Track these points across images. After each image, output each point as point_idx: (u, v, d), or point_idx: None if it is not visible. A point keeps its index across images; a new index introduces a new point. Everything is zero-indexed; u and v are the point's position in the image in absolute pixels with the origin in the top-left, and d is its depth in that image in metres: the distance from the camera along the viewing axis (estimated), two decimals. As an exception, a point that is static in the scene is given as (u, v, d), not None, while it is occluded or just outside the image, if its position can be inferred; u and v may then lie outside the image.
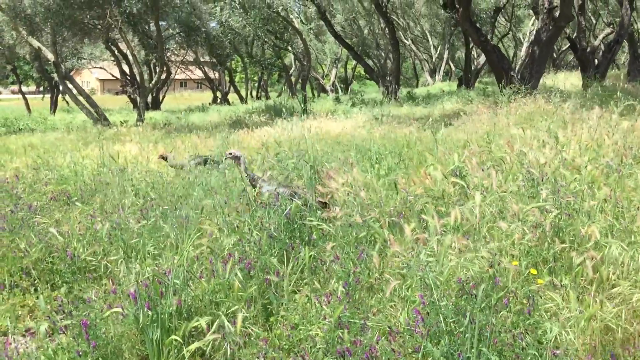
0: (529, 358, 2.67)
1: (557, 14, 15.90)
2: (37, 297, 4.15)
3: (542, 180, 4.20)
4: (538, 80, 17.07)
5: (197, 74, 41.93)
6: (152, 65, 32.01)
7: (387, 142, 9.09)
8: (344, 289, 3.23)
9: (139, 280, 3.25)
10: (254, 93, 40.70)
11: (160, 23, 17.28)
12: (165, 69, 21.97)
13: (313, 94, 34.66)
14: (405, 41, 39.55)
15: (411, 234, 3.40)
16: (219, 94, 37.40)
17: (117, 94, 51.69)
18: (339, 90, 37.29)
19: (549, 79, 23.47)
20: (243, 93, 39.77)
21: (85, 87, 35.47)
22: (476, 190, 4.14)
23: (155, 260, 3.90)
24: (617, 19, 20.95)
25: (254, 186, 5.17)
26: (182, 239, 4.00)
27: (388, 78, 26.43)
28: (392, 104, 23.06)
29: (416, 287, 3.17)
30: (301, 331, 3.15)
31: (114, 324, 3.22)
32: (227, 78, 35.59)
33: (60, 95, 28.78)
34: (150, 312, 3.10)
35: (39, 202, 5.33)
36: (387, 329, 2.94)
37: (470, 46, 28.55)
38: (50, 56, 16.18)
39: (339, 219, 4.01)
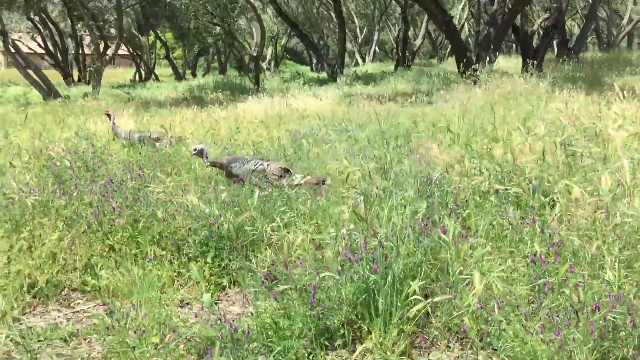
0: None
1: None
2: (181, 267, 3.98)
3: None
4: (493, 61, 17.76)
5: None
6: (78, 37, 30.32)
7: (392, 119, 9.18)
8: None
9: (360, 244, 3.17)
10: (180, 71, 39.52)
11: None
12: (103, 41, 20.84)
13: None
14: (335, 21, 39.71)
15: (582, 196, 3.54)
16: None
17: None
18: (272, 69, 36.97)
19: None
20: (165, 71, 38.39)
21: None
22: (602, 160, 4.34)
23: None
24: (554, 4, 22.05)
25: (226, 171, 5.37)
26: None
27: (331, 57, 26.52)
28: (342, 83, 23.22)
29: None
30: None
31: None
32: (158, 53, 34.30)
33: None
34: (373, 276, 3.07)
35: (146, 171, 5.02)
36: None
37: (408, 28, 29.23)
38: (-5, 25, 14.96)
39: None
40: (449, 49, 36.22)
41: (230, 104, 14.64)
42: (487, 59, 17.10)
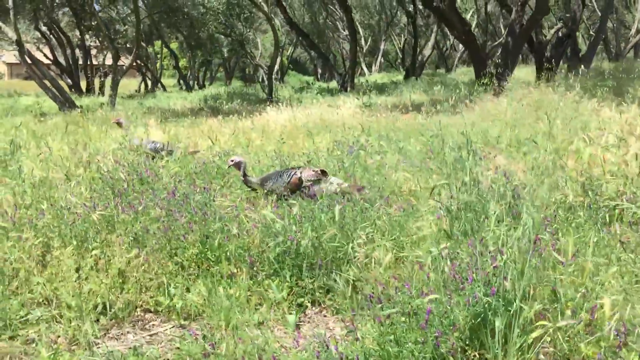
0: None
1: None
2: (256, 286, 3.77)
3: None
4: (512, 71, 17.63)
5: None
6: (86, 47, 30.17)
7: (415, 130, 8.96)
8: None
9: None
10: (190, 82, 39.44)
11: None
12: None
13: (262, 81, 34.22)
14: (343, 32, 39.70)
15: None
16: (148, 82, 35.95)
17: (25, 79, 48.64)
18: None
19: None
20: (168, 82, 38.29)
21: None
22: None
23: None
24: (567, 14, 21.99)
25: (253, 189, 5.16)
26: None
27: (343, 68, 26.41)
28: (354, 93, 23.08)
29: None
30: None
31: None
32: (164, 63, 34.15)
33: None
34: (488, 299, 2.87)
35: (212, 184, 4.83)
36: None
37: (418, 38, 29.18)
38: (12, 35, 14.77)
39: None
40: (457, 59, 36.23)
41: (250, 114, 14.50)
42: (506, 68, 16.97)
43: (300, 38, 29.37)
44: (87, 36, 28.19)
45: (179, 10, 19.35)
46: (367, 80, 26.13)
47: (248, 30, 21.44)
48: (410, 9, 29.05)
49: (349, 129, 8.60)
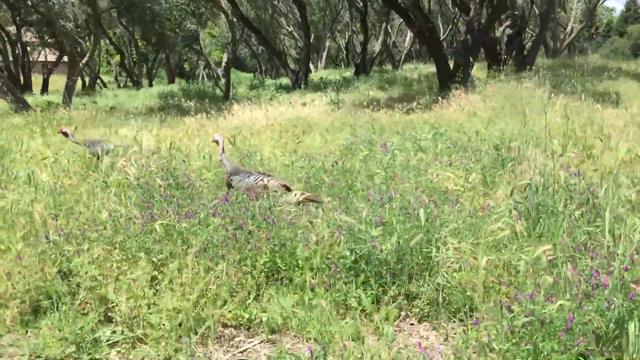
0: None
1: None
2: (340, 296, 3.61)
3: None
4: (472, 68, 17.97)
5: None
6: (22, 43, 28.62)
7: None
8: None
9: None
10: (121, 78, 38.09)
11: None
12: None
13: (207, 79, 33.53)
14: (288, 28, 39.48)
15: None
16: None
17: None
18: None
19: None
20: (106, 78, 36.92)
21: None
22: None
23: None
24: (515, 12, 22.62)
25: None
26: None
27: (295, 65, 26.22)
28: (308, 90, 22.94)
29: None
30: None
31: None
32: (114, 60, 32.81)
33: None
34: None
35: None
36: None
37: (368, 35, 29.29)
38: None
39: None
40: (403, 56, 36.70)
41: (220, 112, 14.15)
42: (467, 65, 17.29)
43: (243, 34, 29.03)
44: (23, 31, 26.77)
45: (139, 4, 18.61)
46: (321, 78, 25.98)
47: (201, 26, 20.88)
48: (360, 5, 29.12)
49: (347, 127, 8.46)
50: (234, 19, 19.62)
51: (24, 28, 27.44)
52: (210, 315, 3.39)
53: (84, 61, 16.77)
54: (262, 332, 3.47)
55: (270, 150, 7.05)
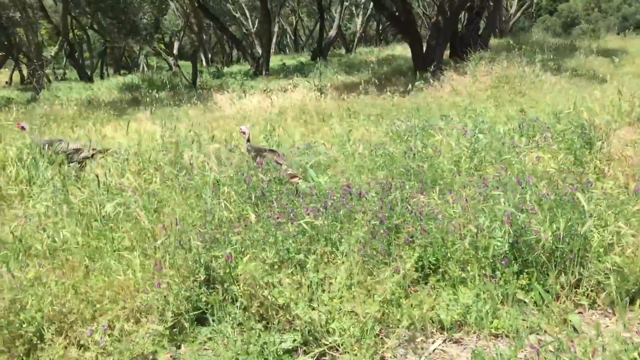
0: None
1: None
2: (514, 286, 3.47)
3: None
4: (444, 50, 18.11)
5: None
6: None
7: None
8: None
9: None
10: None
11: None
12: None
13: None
14: (235, 14, 38.64)
15: None
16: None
17: None
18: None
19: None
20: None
21: None
22: None
23: None
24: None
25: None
26: None
27: (256, 50, 25.68)
28: (271, 76, 22.55)
29: None
30: None
31: None
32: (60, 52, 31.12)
33: None
34: None
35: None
36: None
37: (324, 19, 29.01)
38: None
39: None
40: (356, 40, 36.71)
41: (204, 103, 13.71)
42: (439, 48, 17.39)
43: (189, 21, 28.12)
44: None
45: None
46: (283, 64, 25.60)
47: (165, 13, 20.09)
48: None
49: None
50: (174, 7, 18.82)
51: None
52: (397, 318, 3.19)
53: (55, 51, 15.76)
54: (436, 331, 3.31)
55: (302, 138, 6.81)
